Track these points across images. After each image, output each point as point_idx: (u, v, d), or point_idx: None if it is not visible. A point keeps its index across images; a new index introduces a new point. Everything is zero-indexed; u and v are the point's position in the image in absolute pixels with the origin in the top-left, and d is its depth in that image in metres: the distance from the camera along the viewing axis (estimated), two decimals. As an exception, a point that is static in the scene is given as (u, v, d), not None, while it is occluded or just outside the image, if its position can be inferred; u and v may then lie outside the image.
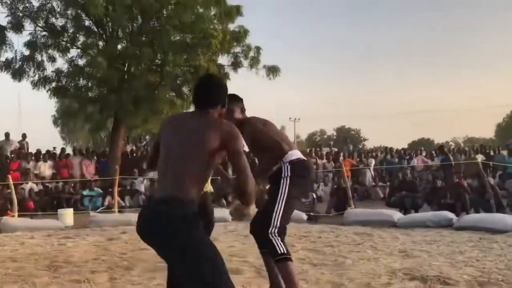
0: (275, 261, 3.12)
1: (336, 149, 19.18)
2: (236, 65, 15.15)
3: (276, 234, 3.09)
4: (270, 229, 3.09)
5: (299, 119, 51.11)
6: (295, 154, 3.34)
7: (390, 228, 8.04)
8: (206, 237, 2.32)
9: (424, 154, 17.78)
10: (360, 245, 6.32)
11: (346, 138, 26.13)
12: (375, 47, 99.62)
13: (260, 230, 3.16)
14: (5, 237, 7.63)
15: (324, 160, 16.35)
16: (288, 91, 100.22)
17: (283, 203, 3.16)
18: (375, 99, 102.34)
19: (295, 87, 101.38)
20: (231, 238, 7.25)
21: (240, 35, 14.60)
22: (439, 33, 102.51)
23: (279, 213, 3.14)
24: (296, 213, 9.39)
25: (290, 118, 50.02)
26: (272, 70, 14.90)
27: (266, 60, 17.12)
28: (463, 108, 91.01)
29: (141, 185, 13.78)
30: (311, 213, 9.82)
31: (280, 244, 3.09)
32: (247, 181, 2.30)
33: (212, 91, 2.56)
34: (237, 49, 15.07)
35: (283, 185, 3.21)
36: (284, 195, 3.18)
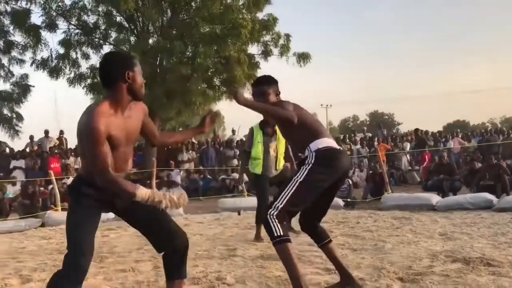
0: (272, 244, 2.97)
1: (370, 134, 18.98)
2: (266, 53, 15.13)
3: (274, 217, 2.91)
4: (270, 210, 2.94)
5: (331, 105, 50.84)
6: (325, 142, 3.13)
7: (429, 212, 7.96)
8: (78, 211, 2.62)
9: (460, 136, 17.43)
10: (399, 229, 6.29)
11: (380, 123, 25.74)
12: (406, 28, 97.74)
13: (265, 211, 3.01)
14: (50, 231, 7.88)
15: (358, 146, 16.22)
16: (319, 77, 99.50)
17: (294, 187, 2.98)
18: (407, 82, 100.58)
19: (326, 73, 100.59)
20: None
21: (269, 23, 14.55)
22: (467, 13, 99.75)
23: (285, 196, 2.97)
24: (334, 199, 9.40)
25: (321, 105, 49.76)
26: (303, 57, 14.82)
27: (297, 46, 17.01)
28: (499, 88, 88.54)
29: (178, 176, 13.98)
30: (348, 199, 9.80)
31: (277, 226, 2.89)
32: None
33: (100, 71, 2.65)
34: (267, 38, 15.06)
35: (301, 170, 3.05)
36: (298, 178, 3.01)
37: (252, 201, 9.53)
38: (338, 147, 3.18)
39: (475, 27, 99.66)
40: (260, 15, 14.98)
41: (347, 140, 16.57)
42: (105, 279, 4.13)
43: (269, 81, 3.38)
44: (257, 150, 5.83)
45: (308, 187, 3.00)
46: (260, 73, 15.27)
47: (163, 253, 2.84)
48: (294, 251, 2.96)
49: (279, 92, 3.37)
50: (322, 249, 3.37)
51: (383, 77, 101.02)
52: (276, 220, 2.91)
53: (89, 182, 2.59)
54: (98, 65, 15.27)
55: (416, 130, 16.73)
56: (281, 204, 2.95)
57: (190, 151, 15.37)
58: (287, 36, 14.95)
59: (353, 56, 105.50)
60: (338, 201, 9.31)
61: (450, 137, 17.00)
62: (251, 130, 6.00)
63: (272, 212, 2.93)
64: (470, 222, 6.60)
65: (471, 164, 11.17)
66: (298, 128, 3.16)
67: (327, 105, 50.00)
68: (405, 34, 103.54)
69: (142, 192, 2.51)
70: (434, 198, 8.63)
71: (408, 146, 16.40)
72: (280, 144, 5.86)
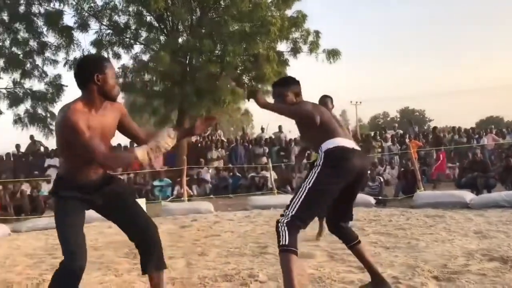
0: (278, 251, 2.92)
1: (401, 131, 18.73)
2: (295, 51, 15.05)
3: (285, 225, 2.88)
4: (282, 218, 2.92)
5: (360, 102, 50.28)
6: (336, 141, 3.07)
7: (462, 210, 7.80)
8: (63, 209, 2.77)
9: (494, 132, 17.03)
10: (432, 227, 6.19)
11: (411, 120, 25.36)
12: (438, 22, 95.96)
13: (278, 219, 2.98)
14: (84, 228, 8.02)
15: (389, 143, 16.01)
16: (349, 74, 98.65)
17: (305, 193, 2.94)
18: (438, 78, 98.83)
19: (356, 69, 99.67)
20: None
21: (298, 20, 14.44)
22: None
23: (296, 204, 2.93)
24: (364, 197, 9.34)
25: (351, 102, 49.29)
26: (332, 54, 14.67)
27: (326, 43, 16.89)
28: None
29: (207, 174, 14.08)
30: (379, 197, 9.69)
31: (285, 235, 2.86)
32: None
33: (74, 73, 2.77)
34: (296, 35, 14.95)
35: (311, 174, 3.01)
36: (308, 185, 2.96)
37: (282, 198, 9.56)
38: (350, 146, 3.08)
39: (508, 19, 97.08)
40: (289, 12, 14.91)
41: (378, 137, 16.37)
42: (139, 275, 4.17)
43: (287, 83, 3.37)
44: None
45: (317, 193, 2.96)
46: (289, 70, 15.26)
47: (139, 249, 2.94)
48: (296, 264, 2.88)
49: (300, 93, 3.34)
50: (351, 250, 3.33)
51: (414, 73, 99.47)
52: (286, 229, 2.88)
53: (68, 182, 2.79)
54: (129, 65, 15.67)
55: (434, 128, 16.44)
56: (292, 212, 2.92)
57: (220, 149, 15.45)
58: (317, 33, 14.84)
59: (384, 52, 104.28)
60: (369, 199, 9.23)
61: (484, 133, 16.62)
62: None
63: (283, 220, 2.91)
64: (506, 220, 6.45)
65: (506, 161, 10.91)
66: (314, 127, 3.15)
67: (356, 102, 49.49)
68: (437, 28, 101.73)
69: (140, 152, 2.73)
70: (468, 196, 8.46)
71: (440, 143, 16.10)
72: None
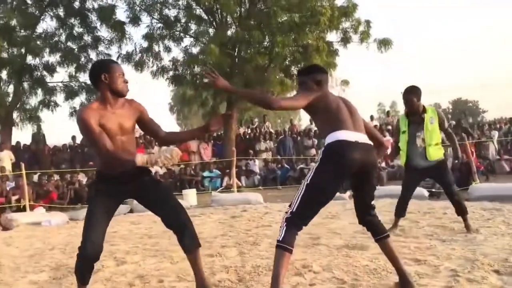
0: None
1: (454, 122, 18.17)
2: (345, 40, 14.87)
3: (285, 221, 2.91)
4: (285, 214, 2.94)
5: (411, 93, 49.10)
6: (338, 134, 2.97)
7: (522, 203, 7.51)
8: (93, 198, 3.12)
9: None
10: (490, 220, 5.99)
11: (464, 111, 24.61)
12: (489, 8, 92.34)
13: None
14: (139, 217, 8.24)
15: (442, 135, 15.56)
16: (400, 64, 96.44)
17: (303, 190, 2.93)
18: (492, 67, 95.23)
19: (407, 59, 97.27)
20: (350, 216, 7.20)
21: (349, 9, 14.27)
22: None
23: (297, 199, 2.92)
24: (417, 189, 9.13)
25: (401, 92, 48.25)
26: (384, 43, 14.42)
27: (377, 32, 16.59)
28: None
29: (255, 165, 14.14)
30: (433, 189, 9.46)
31: (283, 231, 2.88)
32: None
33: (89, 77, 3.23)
34: (346, 25, 14.79)
35: (311, 170, 3.00)
36: (306, 181, 2.95)
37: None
38: (353, 139, 2.95)
39: None
40: (339, 2, 14.77)
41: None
42: (194, 263, 4.25)
43: (308, 71, 3.35)
44: (402, 140, 5.47)
45: (316, 190, 2.93)
46: (339, 60, 15.09)
47: (175, 234, 3.22)
48: (287, 263, 2.89)
49: (321, 81, 3.25)
50: (378, 243, 3.23)
51: (465, 63, 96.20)
52: (285, 225, 2.90)
53: (102, 175, 3.14)
54: (179, 58, 15.92)
55: (459, 120, 15.88)
56: (293, 208, 2.92)
57: (268, 141, 15.47)
58: (368, 22, 14.61)
59: (436, 40, 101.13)
60: (422, 191, 9.03)
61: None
62: (397, 120, 5.79)
63: (285, 216, 2.94)
64: None
65: None
66: (321, 117, 3.14)
67: (407, 93, 48.36)
68: (488, 14, 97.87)
69: (139, 159, 3.14)
70: (527, 189, 8.14)
71: (496, 134, 15.53)
72: (429, 133, 5.25)
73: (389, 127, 15.62)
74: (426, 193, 9.00)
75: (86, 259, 3.06)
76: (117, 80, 3.06)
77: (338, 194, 8.93)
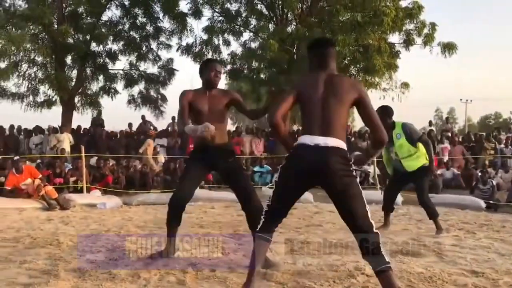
0: None
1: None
2: (408, 42, 14.56)
3: (264, 213, 3.19)
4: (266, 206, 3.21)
5: (471, 100, 47.75)
6: (302, 138, 3.01)
7: None
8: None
9: None
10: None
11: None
12: None
13: None
14: (189, 206, 8.36)
15: (502, 145, 14.98)
16: (462, 70, 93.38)
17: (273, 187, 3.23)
18: None
19: (470, 65, 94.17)
20: (404, 221, 7.09)
21: (414, 11, 13.94)
22: None
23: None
24: (474, 200, 8.90)
25: (461, 100, 46.97)
26: (448, 48, 14.00)
27: (442, 36, 16.14)
28: None
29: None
30: (490, 201, 9.16)
31: (261, 221, 3.18)
32: None
33: None
34: (410, 26, 14.47)
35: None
36: (275, 179, 3.21)
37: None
38: (311, 143, 2.93)
39: None
40: (404, 3, 14.48)
41: (492, 139, 15.34)
42: (244, 256, 4.31)
43: (308, 46, 3.37)
44: (384, 159, 6.22)
45: (277, 189, 3.14)
46: (400, 62, 14.78)
47: (246, 215, 4.04)
48: (260, 249, 3.15)
49: (312, 58, 3.29)
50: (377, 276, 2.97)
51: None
52: (263, 216, 3.19)
53: (194, 147, 4.28)
54: (238, 52, 16.05)
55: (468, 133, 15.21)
56: (269, 201, 3.18)
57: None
58: (433, 25, 14.23)
59: (502, 48, 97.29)
60: (479, 202, 8.77)
61: None
62: None
63: (264, 209, 3.22)
64: None
65: None
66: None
67: (467, 100, 46.99)
68: None
69: (188, 128, 3.86)
70: None
71: None
72: (398, 148, 5.80)
73: (449, 134, 15.18)
74: (483, 204, 8.72)
75: (173, 206, 4.03)
76: (210, 75, 4.12)
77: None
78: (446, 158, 13.21)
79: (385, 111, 5.72)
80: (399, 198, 9.04)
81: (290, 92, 3.16)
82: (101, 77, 17.05)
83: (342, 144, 2.98)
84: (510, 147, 14.62)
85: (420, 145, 5.79)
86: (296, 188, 3.09)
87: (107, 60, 16.96)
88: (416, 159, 5.80)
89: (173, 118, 15.71)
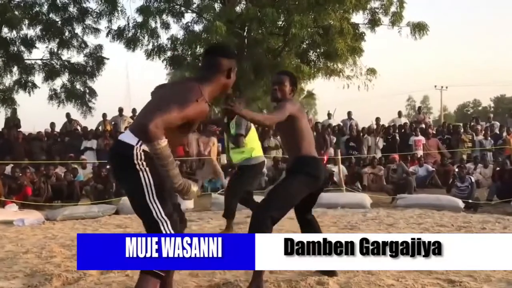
0: None
1: (497, 123, 18.05)
2: (374, 23, 14.84)
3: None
4: None
5: (446, 87, 49.09)
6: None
7: None
8: None
9: None
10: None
11: (510, 110, 24.52)
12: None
13: None
14: (125, 219, 8.31)
15: (481, 137, 15.43)
16: (436, 53, 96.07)
17: None
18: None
19: (445, 49, 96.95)
20: (373, 226, 7.22)
21: (379, -13, 14.26)
22: None
23: None
24: (451, 199, 9.15)
25: (435, 86, 48.25)
26: (418, 28, 14.36)
27: (411, 15, 16.51)
28: None
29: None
30: (469, 200, 9.44)
31: None
32: None
33: None
34: (375, 4, 14.79)
35: None
36: None
37: (351, 196, 9.52)
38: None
39: None
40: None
41: (469, 130, 15.76)
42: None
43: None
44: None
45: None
46: (365, 45, 15.01)
47: None
48: None
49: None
50: None
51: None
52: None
53: None
54: (179, 36, 15.91)
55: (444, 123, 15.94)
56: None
57: (278, 137, 15.43)
58: (401, 2, 14.55)
59: (478, 29, 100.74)
60: (457, 202, 9.02)
61: None
62: None
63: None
64: None
65: None
66: None
67: (442, 87, 48.32)
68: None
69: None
70: None
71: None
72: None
73: (422, 126, 15.53)
74: (461, 204, 8.98)
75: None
76: None
77: (358, 202, 8.96)
78: (419, 153, 13.51)
79: None
80: (368, 200, 9.22)
81: None
82: (15, 69, 16.64)
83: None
84: (489, 139, 15.07)
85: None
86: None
87: (22, 48, 16.58)
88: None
89: (104, 115, 15.42)
